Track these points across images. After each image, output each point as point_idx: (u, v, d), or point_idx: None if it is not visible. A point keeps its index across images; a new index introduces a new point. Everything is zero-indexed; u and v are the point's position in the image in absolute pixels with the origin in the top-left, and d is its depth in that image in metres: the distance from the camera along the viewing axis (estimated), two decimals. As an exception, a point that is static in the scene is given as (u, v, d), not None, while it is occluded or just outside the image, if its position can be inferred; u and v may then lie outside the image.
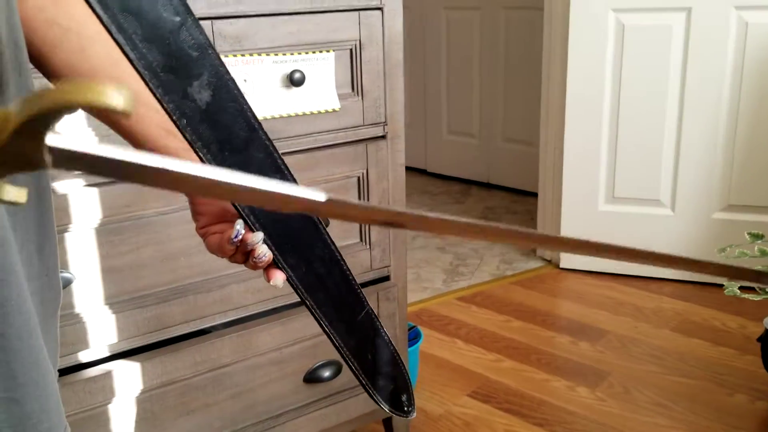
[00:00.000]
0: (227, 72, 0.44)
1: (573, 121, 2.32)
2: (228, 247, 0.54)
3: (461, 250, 2.70)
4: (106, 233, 1.03)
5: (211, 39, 1.05)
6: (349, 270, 0.55)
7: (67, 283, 1.00)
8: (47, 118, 0.30)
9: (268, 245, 0.52)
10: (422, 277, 2.46)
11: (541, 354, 1.94)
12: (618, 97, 2.26)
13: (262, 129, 0.48)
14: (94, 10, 0.38)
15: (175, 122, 0.43)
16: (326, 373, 1.30)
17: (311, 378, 1.30)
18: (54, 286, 0.56)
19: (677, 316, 2.12)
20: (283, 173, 0.50)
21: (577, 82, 2.29)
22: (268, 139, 0.48)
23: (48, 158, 0.31)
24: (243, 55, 1.08)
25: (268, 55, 1.10)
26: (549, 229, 2.54)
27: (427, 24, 3.57)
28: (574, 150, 2.35)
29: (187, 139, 0.45)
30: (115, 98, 0.26)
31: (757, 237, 1.62)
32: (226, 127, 0.45)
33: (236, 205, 0.50)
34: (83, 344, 1.03)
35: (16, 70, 0.46)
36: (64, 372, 1.04)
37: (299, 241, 0.52)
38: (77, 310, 1.03)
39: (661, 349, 1.94)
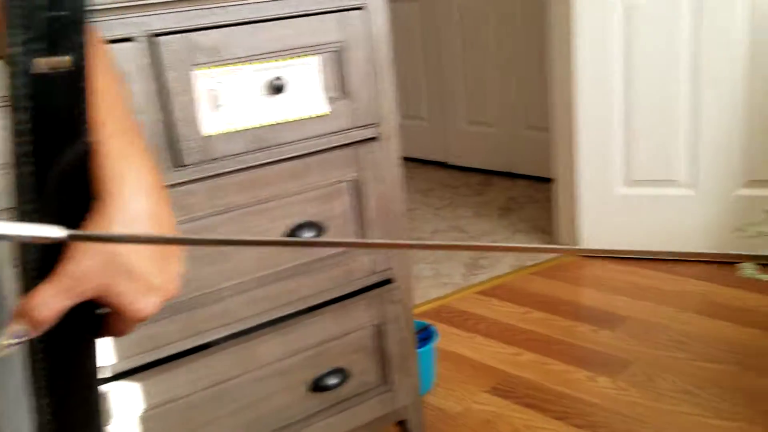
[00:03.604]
0: None
1: (584, 104, 2.27)
2: None
3: (482, 243, 2.66)
4: (95, 255, 1.03)
5: (185, 52, 1.04)
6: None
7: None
8: None
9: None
10: (441, 273, 2.44)
11: (562, 344, 1.90)
12: (629, 77, 2.20)
13: None
14: None
15: None
16: (333, 381, 1.29)
17: (318, 387, 1.28)
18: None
19: (701, 298, 2.06)
20: None
21: (586, 64, 2.23)
22: None
23: None
24: (222, 66, 1.07)
25: (247, 63, 1.09)
26: (568, 216, 2.49)
27: (439, 14, 3.53)
28: (587, 134, 2.30)
29: None
30: None
31: (777, 214, 1.56)
32: None
33: None
34: (80, 367, 1.04)
35: None
36: (63, 395, 1.04)
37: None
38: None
39: (685, 333, 1.89)
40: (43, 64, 0.37)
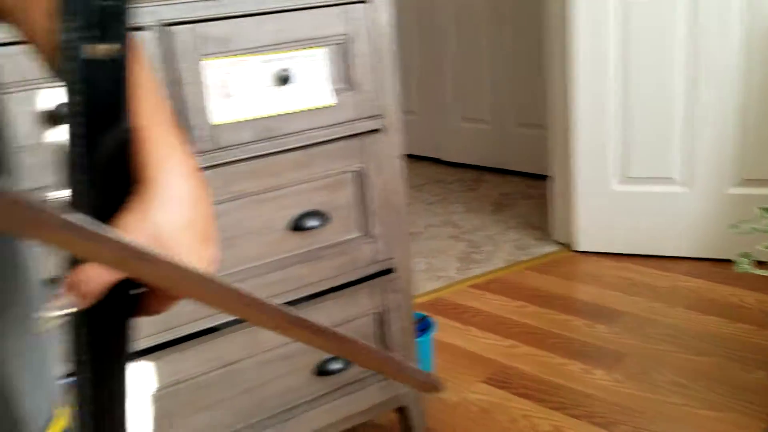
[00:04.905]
0: None
1: (581, 102, 2.31)
2: None
3: (475, 238, 2.70)
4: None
5: (195, 42, 1.06)
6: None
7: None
8: None
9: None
10: (435, 267, 2.47)
11: (557, 338, 1.94)
12: (625, 75, 2.23)
13: None
14: None
15: None
16: (336, 366, 1.32)
17: (322, 371, 1.31)
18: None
19: (692, 294, 2.10)
20: None
21: (583, 61, 2.27)
22: None
23: None
24: (231, 57, 1.09)
25: (255, 54, 1.12)
26: (563, 212, 2.53)
27: (435, 9, 3.55)
28: (584, 131, 2.33)
29: None
30: None
31: (768, 210, 1.60)
32: None
33: None
34: (92, 348, 1.06)
35: None
36: (74, 376, 1.06)
37: None
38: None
39: (677, 328, 1.93)
40: (95, 50, 0.39)
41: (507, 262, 2.45)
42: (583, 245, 2.46)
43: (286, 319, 0.43)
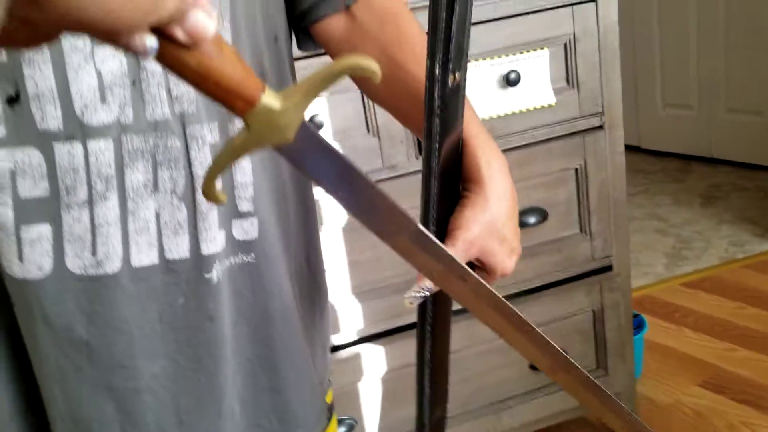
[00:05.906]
0: None
1: (812, 87, 2.11)
2: None
3: (684, 233, 2.56)
4: (349, 232, 1.16)
5: (433, 50, 1.13)
6: None
7: (319, 277, 1.15)
8: (314, 92, 0.35)
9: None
10: (642, 262, 2.38)
11: (782, 343, 1.81)
12: None
13: None
14: None
15: None
16: (551, 361, 1.34)
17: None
18: (320, 287, 0.67)
19: None
20: None
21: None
22: None
23: (294, 137, 0.35)
24: (463, 62, 1.15)
25: (484, 59, 1.16)
26: (786, 207, 2.33)
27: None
28: (815, 119, 2.13)
29: None
30: (366, 64, 0.33)
31: None
32: None
33: None
34: (335, 329, 1.18)
35: (274, 64, 0.55)
36: (319, 355, 1.19)
37: None
38: (329, 299, 1.17)
39: None
40: (452, 79, 0.46)
41: (721, 260, 2.31)
42: (811, 243, 2.26)
43: (556, 361, 0.49)
